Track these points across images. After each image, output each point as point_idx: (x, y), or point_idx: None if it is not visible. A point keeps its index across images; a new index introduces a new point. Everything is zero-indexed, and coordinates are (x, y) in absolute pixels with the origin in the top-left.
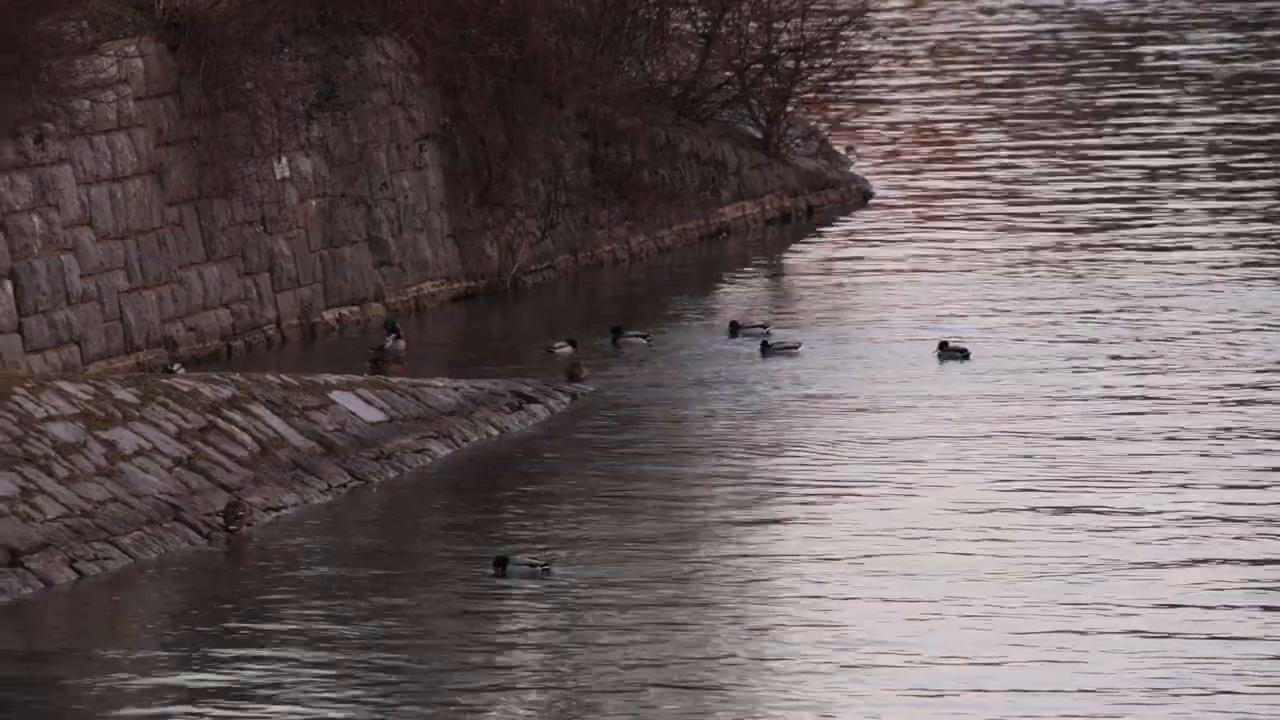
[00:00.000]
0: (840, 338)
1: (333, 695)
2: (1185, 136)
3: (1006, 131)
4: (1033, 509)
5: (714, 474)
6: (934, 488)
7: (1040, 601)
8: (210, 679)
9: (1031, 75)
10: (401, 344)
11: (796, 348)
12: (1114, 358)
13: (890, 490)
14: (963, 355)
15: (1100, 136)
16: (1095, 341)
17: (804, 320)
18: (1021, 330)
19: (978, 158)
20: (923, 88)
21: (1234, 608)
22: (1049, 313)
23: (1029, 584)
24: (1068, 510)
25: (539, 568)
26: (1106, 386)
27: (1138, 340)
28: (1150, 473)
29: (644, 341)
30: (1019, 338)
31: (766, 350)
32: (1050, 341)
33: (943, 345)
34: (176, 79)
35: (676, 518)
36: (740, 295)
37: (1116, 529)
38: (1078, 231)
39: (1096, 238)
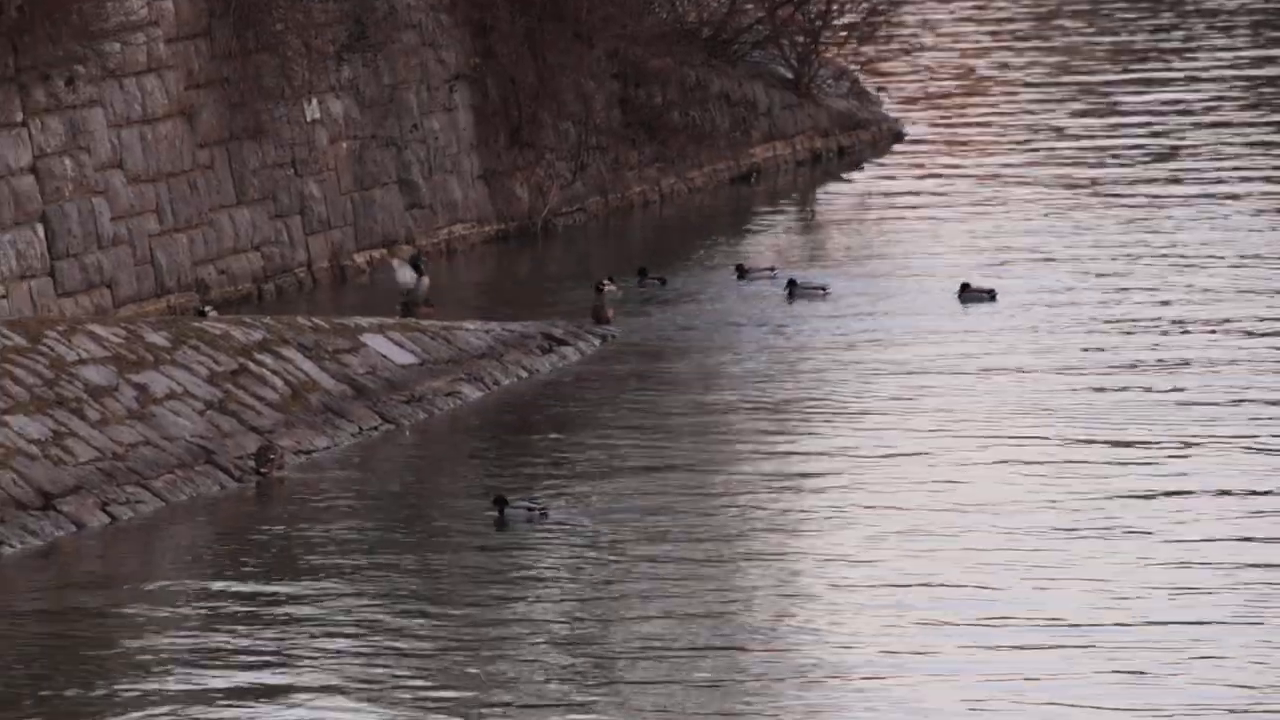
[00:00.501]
0: (867, 279)
1: (360, 636)
2: (1221, 74)
3: (1041, 70)
4: (1071, 441)
5: (743, 415)
6: (961, 422)
7: (1084, 531)
8: (240, 620)
9: (1066, 11)
10: (425, 281)
11: (824, 290)
12: (1149, 293)
13: (921, 425)
14: (989, 296)
15: (1135, 73)
16: (1129, 276)
17: (831, 262)
18: (1052, 269)
19: (1011, 97)
20: (955, 25)
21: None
22: (1082, 251)
23: (1069, 514)
24: (1103, 443)
25: (536, 511)
26: (1143, 322)
27: (1176, 276)
28: (1190, 404)
29: (657, 283)
30: (1049, 276)
31: (794, 292)
32: (1083, 279)
33: (964, 287)
34: (207, 20)
35: (706, 458)
36: (768, 237)
37: (1158, 460)
38: (1112, 169)
39: (1131, 174)
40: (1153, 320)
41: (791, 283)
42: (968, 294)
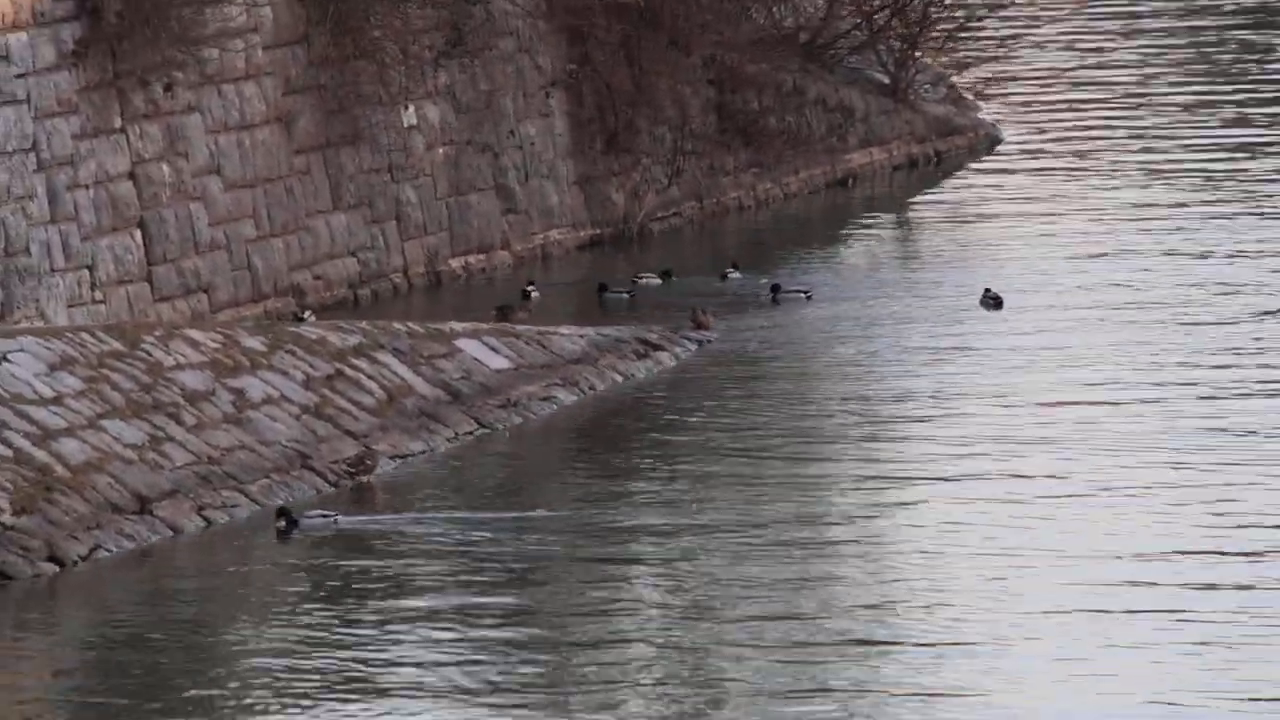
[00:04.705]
0: (901, 286)
1: (451, 642)
2: None
3: (1143, 79)
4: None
5: (839, 425)
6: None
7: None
8: (334, 627)
9: (1170, 23)
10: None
11: (807, 293)
12: (1202, 310)
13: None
14: (996, 303)
15: (1241, 88)
16: (1153, 288)
17: (917, 265)
18: (1097, 282)
19: (1110, 104)
20: (1055, 32)
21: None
22: (1138, 262)
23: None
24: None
25: (332, 519)
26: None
27: (1237, 293)
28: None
29: (658, 282)
30: (1069, 282)
31: (777, 295)
32: (1097, 287)
33: (986, 292)
34: (304, 27)
35: (800, 468)
36: (864, 242)
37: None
38: (1203, 185)
39: (1221, 192)
40: (1210, 340)
41: (775, 287)
42: (986, 298)
